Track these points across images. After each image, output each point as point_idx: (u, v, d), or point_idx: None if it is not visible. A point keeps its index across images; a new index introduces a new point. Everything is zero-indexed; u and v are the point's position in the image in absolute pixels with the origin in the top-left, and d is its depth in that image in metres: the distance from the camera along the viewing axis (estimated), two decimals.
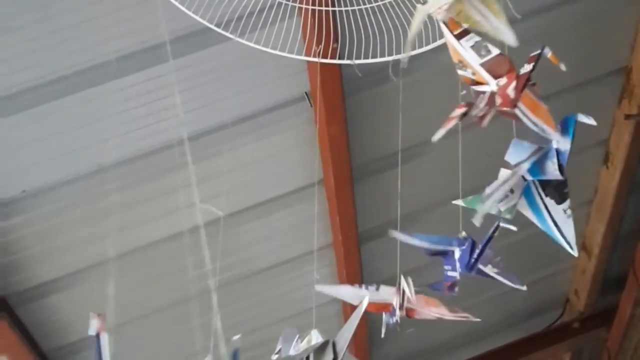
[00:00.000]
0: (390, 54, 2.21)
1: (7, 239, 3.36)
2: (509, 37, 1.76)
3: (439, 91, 3.64)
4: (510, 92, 1.71)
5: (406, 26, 2.18)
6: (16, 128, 3.04)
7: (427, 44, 2.18)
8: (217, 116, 3.41)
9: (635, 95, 4.24)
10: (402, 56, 1.98)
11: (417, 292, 2.16)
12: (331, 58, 2.42)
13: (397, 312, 2.14)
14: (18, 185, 3.23)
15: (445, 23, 1.83)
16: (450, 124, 1.77)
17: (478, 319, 2.13)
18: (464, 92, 1.84)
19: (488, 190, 1.85)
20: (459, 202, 1.94)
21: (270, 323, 4.49)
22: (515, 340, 5.67)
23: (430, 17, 1.87)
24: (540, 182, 1.83)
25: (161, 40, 2.95)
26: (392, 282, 4.37)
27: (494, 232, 2.01)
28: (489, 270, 2.09)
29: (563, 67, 1.70)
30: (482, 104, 1.74)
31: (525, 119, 1.75)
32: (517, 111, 1.73)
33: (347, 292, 2.25)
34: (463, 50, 1.81)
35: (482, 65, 1.76)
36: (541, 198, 1.84)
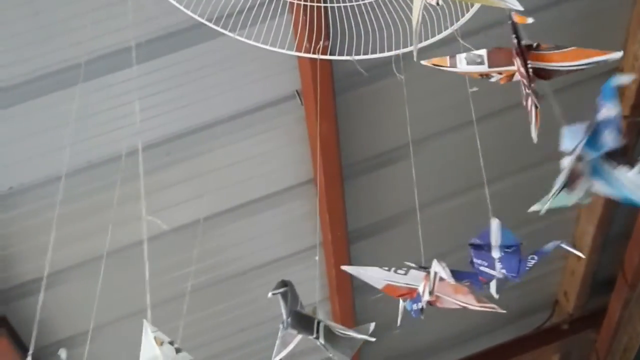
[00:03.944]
0: (382, 51, 2.20)
1: None
2: (513, 3, 1.77)
3: (433, 89, 3.66)
4: (522, 68, 1.73)
5: (398, 23, 2.17)
6: (5, 124, 3.02)
7: (426, 39, 2.17)
8: (206, 114, 3.40)
9: (627, 96, 4.25)
10: (410, 49, 1.98)
11: (443, 279, 2.12)
12: (324, 55, 2.40)
13: (424, 298, 2.10)
14: (5, 182, 3.21)
15: (433, 64, 1.87)
16: (533, 117, 1.78)
17: (504, 311, 2.11)
18: (476, 88, 1.85)
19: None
20: (539, 207, 1.90)
21: (258, 323, 4.47)
22: (503, 342, 5.68)
23: (427, 9, 1.87)
24: (606, 155, 1.81)
25: (153, 36, 2.95)
26: None
27: (554, 248, 2.01)
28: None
29: (530, 20, 1.72)
30: (525, 90, 1.76)
31: (573, 68, 1.77)
32: (558, 69, 1.76)
33: (373, 274, 2.20)
34: (468, 70, 1.83)
35: (492, 66, 1.79)
36: (613, 170, 1.81)
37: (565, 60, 1.80)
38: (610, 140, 1.76)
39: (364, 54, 2.23)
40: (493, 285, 2.12)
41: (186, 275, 3.96)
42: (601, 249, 5.20)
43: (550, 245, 2.02)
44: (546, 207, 1.85)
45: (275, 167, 3.82)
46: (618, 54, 1.78)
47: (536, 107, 1.79)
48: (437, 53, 2.08)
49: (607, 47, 4.31)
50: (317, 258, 3.67)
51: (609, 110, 1.78)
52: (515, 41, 1.74)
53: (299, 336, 2.00)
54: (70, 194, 3.34)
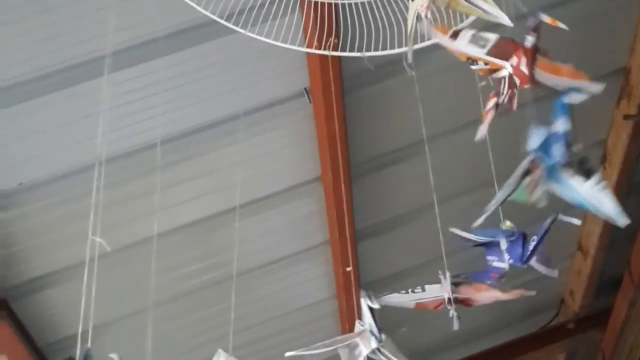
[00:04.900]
0: (392, 48, 2.21)
1: (3, 231, 3.35)
2: (503, 18, 1.76)
3: (442, 88, 3.67)
4: (524, 68, 1.71)
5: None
6: (14, 120, 3.03)
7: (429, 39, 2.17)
8: (214, 112, 3.41)
9: (634, 95, 4.25)
10: (406, 49, 1.97)
11: (460, 283, 2.14)
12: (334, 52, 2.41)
13: (452, 306, 2.12)
14: (15, 178, 3.22)
15: (434, 31, 1.84)
16: (488, 117, 1.77)
17: (533, 292, 2.12)
18: (484, 82, 1.83)
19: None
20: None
21: (264, 321, 4.48)
22: (509, 341, 5.67)
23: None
24: (563, 163, 1.82)
25: (158, 34, 2.95)
26: (389, 279, 4.39)
27: (551, 224, 2.00)
28: (533, 261, 2.09)
29: (563, 26, 1.70)
30: (504, 88, 1.74)
31: (556, 85, 1.75)
32: (543, 81, 1.73)
33: (399, 300, 2.23)
34: (464, 48, 1.80)
35: (489, 53, 1.76)
36: (568, 179, 1.82)
37: (557, 75, 1.77)
38: (558, 154, 1.78)
39: (374, 51, 2.23)
40: (540, 267, 2.12)
41: (192, 273, 3.98)
42: (607, 249, 5.20)
43: (547, 222, 2.02)
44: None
45: (283, 165, 3.82)
46: (599, 87, 1.75)
47: (497, 108, 1.77)
48: (440, 54, 2.09)
49: (615, 46, 4.34)
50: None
51: (559, 125, 1.80)
52: (532, 39, 1.72)
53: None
54: (74, 191, 3.36)
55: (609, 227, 5.02)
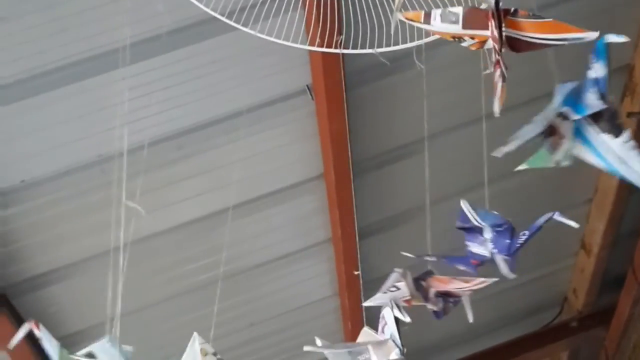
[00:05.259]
0: (396, 44, 2.19)
1: (5, 228, 3.35)
2: None
3: (442, 85, 3.66)
4: (495, 31, 1.66)
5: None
6: (16, 117, 3.02)
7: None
8: (216, 109, 3.41)
9: (638, 93, 4.23)
10: (414, 44, 1.96)
11: (425, 278, 2.13)
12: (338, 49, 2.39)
13: (408, 301, 2.11)
14: (17, 175, 3.22)
15: (406, 18, 1.80)
16: (498, 88, 1.71)
17: (495, 279, 2.08)
18: (490, 70, 1.78)
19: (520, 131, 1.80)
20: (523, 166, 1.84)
21: (267, 318, 4.48)
22: (512, 339, 5.67)
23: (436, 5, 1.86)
24: (592, 119, 1.75)
25: (163, 30, 2.95)
26: None
27: (545, 222, 1.96)
28: (499, 257, 2.05)
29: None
30: (494, 57, 1.71)
31: (547, 42, 1.69)
32: (531, 40, 1.68)
33: (380, 300, 2.22)
34: (440, 28, 1.77)
35: (465, 28, 1.71)
36: (597, 135, 1.75)
37: (540, 32, 1.70)
38: (593, 101, 1.71)
39: (378, 47, 2.22)
40: (504, 267, 2.09)
41: (195, 271, 3.97)
42: (611, 247, 5.19)
43: (541, 220, 1.98)
44: (524, 165, 1.81)
45: (285, 163, 3.82)
46: (594, 34, 1.69)
47: (504, 78, 1.70)
48: (442, 51, 2.08)
49: (618, 44, 4.30)
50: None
51: (597, 70, 1.74)
52: (493, 1, 1.66)
53: None
54: (76, 189, 3.36)
55: (612, 225, 5.01)
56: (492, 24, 1.67)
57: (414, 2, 2.07)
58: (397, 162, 4.09)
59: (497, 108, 1.70)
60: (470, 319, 2.15)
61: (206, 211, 3.75)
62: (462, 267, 2.12)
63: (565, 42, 1.68)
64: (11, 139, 3.11)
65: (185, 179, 3.61)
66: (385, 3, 2.17)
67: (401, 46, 2.18)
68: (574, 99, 1.74)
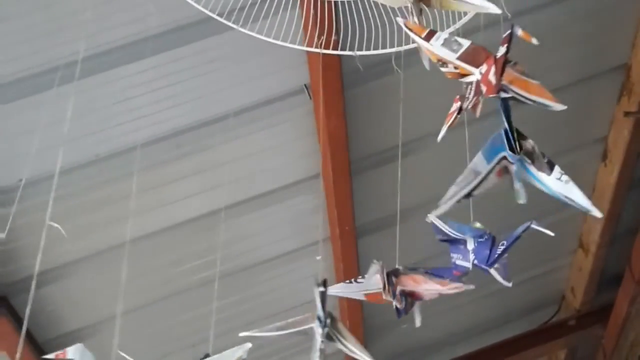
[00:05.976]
0: (392, 46, 2.20)
1: (5, 228, 3.34)
2: (492, 8, 1.75)
3: (439, 85, 3.65)
4: (492, 77, 1.69)
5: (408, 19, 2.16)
6: (13, 116, 3.02)
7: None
8: (214, 108, 3.41)
9: (635, 92, 4.24)
10: (398, 49, 1.97)
11: (399, 274, 2.14)
12: (327, 50, 2.40)
13: (388, 298, 2.11)
14: (14, 174, 3.21)
15: (410, 30, 1.82)
16: (450, 119, 1.76)
17: (472, 286, 2.09)
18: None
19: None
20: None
21: (265, 317, 4.48)
22: (510, 337, 5.67)
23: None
24: (525, 160, 1.80)
25: (163, 29, 2.95)
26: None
27: (523, 231, 1.98)
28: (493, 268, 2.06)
29: (535, 41, 1.68)
30: (470, 94, 1.73)
31: (522, 99, 1.73)
32: (511, 94, 1.71)
33: (346, 290, 2.23)
34: (436, 50, 1.79)
35: (459, 58, 1.74)
36: (537, 172, 1.81)
37: (521, 88, 1.75)
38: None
39: (369, 49, 2.23)
40: (498, 277, 2.10)
41: (192, 269, 3.98)
42: (608, 245, 5.20)
43: (519, 229, 2.00)
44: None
45: (283, 161, 3.82)
46: (561, 107, 1.74)
47: (459, 112, 1.75)
48: None
49: (615, 43, 4.31)
50: (318, 258, 3.69)
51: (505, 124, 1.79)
52: (504, 51, 1.67)
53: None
54: (75, 188, 3.36)
55: (610, 224, 5.02)
56: (491, 70, 1.70)
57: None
58: (394, 160, 4.08)
59: (441, 135, 1.76)
60: (418, 323, 2.16)
61: (204, 210, 3.75)
62: (445, 279, 2.13)
63: (533, 104, 1.74)
64: (8, 138, 3.11)
65: (183, 178, 3.61)
66: (381, 6, 2.18)
67: (380, 51, 2.19)
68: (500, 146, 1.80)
